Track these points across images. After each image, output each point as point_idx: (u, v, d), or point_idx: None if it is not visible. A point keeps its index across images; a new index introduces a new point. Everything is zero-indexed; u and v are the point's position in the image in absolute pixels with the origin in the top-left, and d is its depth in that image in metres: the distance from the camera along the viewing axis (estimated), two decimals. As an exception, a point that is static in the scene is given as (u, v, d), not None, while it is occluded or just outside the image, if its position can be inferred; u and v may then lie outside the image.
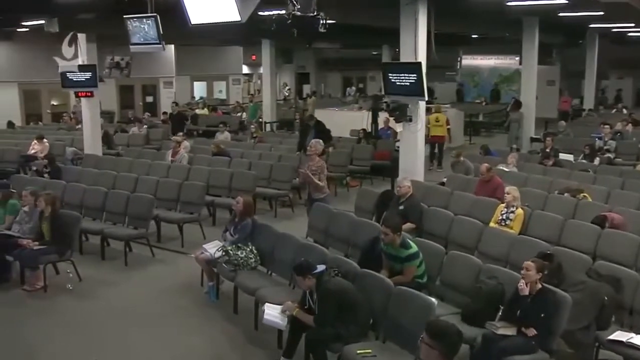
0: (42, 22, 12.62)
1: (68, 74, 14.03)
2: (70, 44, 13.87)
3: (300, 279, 5.29)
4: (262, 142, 15.30)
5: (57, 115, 21.05)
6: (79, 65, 14.08)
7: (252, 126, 16.04)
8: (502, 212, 7.94)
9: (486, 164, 9.45)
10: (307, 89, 33.61)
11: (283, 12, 5.43)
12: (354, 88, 30.43)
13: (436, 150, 15.53)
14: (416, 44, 9.61)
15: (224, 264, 6.97)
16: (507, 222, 7.82)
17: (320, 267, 5.31)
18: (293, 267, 5.47)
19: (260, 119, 20.53)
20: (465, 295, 5.77)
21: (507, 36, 17.83)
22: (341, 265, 5.90)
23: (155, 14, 9.41)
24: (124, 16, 9.90)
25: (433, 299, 5.11)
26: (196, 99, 26.91)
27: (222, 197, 10.73)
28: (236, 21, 5.28)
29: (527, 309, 5.09)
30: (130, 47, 10.31)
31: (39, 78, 20.82)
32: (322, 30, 5.48)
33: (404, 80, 9.63)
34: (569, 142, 14.43)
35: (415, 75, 9.40)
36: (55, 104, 22.95)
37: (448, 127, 16.17)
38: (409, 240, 6.24)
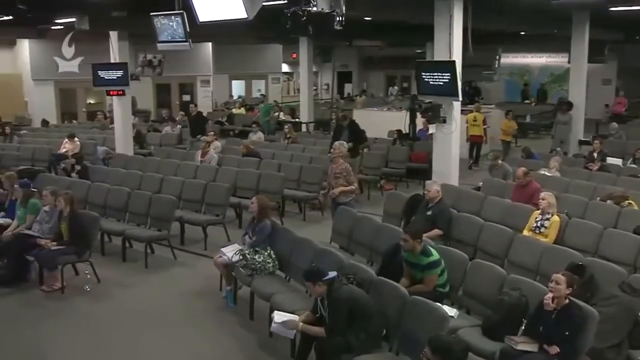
0: (74, 20, 12.97)
1: (100, 72, 14.32)
2: (70, 44, 14.21)
3: (311, 286, 5.26)
4: (296, 142, 15.33)
5: (92, 113, 21.55)
6: (111, 64, 14.39)
7: (286, 126, 16.08)
8: (537, 219, 7.74)
9: (523, 168, 9.23)
10: (348, 88, 33.58)
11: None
12: (396, 87, 30.19)
13: (475, 150, 15.96)
14: (450, 42, 9.47)
15: (241, 268, 6.99)
16: (541, 230, 7.62)
17: (332, 274, 5.26)
18: (303, 273, 5.44)
19: (283, 117, 20.51)
20: (487, 306, 5.64)
21: (555, 32, 17.39)
22: (357, 272, 5.84)
23: (182, 11, 9.55)
24: (151, 13, 10.07)
25: (448, 310, 5.02)
26: (234, 98, 27.19)
27: (249, 199, 10.75)
28: (243, 18, 5.29)
29: (550, 325, 4.92)
30: (158, 45, 10.50)
31: (74, 76, 21.41)
32: (337, 27, 5.45)
33: (437, 80, 9.49)
34: (620, 145, 14.00)
35: (449, 74, 9.25)
36: (91, 102, 23.51)
37: (485, 126, 16.12)
38: (431, 248, 6.13)
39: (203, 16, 6.04)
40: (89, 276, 7.81)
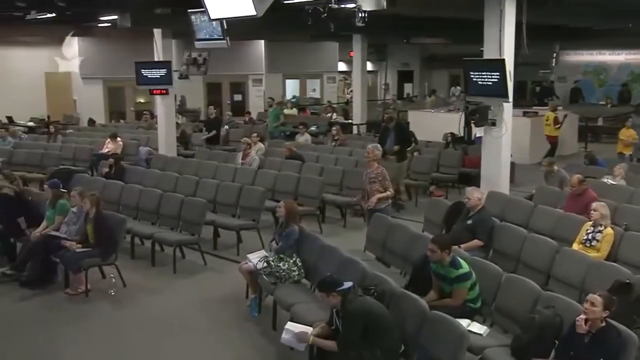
0: (115, 17, 13.36)
1: (143, 71, 14.67)
2: (70, 44, 14.55)
3: (324, 296, 5.23)
4: (344, 145, 15.30)
5: (140, 113, 22.11)
6: (154, 62, 14.73)
7: (334, 128, 16.08)
8: (588, 232, 7.47)
9: (578, 175, 8.93)
10: (408, 88, 33.32)
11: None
12: (459, 87, 29.74)
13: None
14: (501, 39, 9.27)
15: (264, 276, 7.03)
16: (592, 244, 7.35)
17: (347, 284, 5.22)
18: (317, 282, 5.41)
19: (335, 118, 20.41)
20: (519, 325, 5.48)
21: (630, 27, 16.71)
22: (379, 283, 5.78)
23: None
24: (189, 10, 10.28)
25: (478, 327, 4.89)
26: (288, 97, 27.39)
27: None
28: (251, 15, 5.34)
29: (582, 350, 4.72)
30: (196, 43, 10.73)
31: (123, 75, 22.00)
32: (359, 24, 5.40)
33: (485, 80, 9.33)
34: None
35: (498, 73, 9.07)
36: (141, 101, 24.13)
37: (556, 126, 15.94)
38: (460, 260, 6.01)
39: (214, 13, 6.13)
40: (113, 280, 8.00)
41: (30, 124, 20.55)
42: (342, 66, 30.70)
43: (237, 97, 26.70)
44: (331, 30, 5.31)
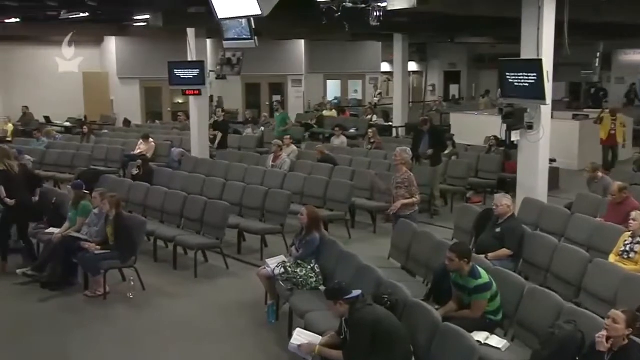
0: (148, 17, 13.61)
1: (176, 71, 14.85)
2: (69, 44, 14.77)
3: (331, 305, 5.20)
4: (379, 148, 15.23)
5: (177, 114, 22.44)
6: (187, 62, 14.91)
7: (370, 131, 16.03)
8: (626, 243, 7.26)
9: (619, 183, 8.70)
10: (454, 89, 33.02)
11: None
12: (507, 89, 29.31)
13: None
14: (539, 38, 9.10)
15: (281, 282, 7.04)
16: (630, 256, 7.14)
17: (356, 292, 5.18)
18: (324, 290, 5.39)
19: (375, 120, 20.27)
20: (539, 340, 5.35)
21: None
22: (394, 292, 5.73)
23: (247, 7, 9.77)
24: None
25: (497, 341, 4.78)
26: (328, 99, 27.42)
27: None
28: (257, 15, 5.37)
29: (603, 369, 4.60)
30: (224, 43, 10.85)
31: (160, 75, 22.35)
32: (374, 23, 5.36)
33: (522, 81, 9.17)
34: None
35: (535, 74, 8.91)
36: (179, 102, 24.47)
37: (611, 130, 15.82)
38: (480, 269, 5.91)
39: (221, 12, 6.19)
40: (132, 283, 8.12)
41: (67, 124, 21.03)
42: (385, 67, 30.61)
43: (276, 98, 26.84)
44: (346, 29, 5.29)
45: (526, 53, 9.39)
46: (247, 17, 5.58)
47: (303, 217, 7.44)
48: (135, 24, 17.16)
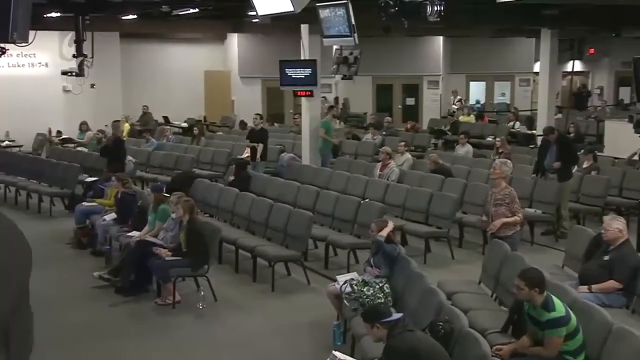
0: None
1: (287, 70, 15.25)
2: (70, 44, 15.19)
3: (368, 328, 5.22)
4: (508, 159, 14.80)
5: (294, 116, 22.98)
6: (299, 61, 15.28)
7: (498, 140, 15.64)
8: None
9: None
10: (623, 92, 31.34)
11: None
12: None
13: None
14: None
15: (346, 302, 7.11)
16: None
17: (396, 316, 5.17)
18: (361, 312, 5.42)
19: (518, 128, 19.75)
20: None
21: None
22: (452, 320, 5.64)
23: (346, 1, 9.90)
24: (317, 4, 10.63)
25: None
26: (470, 102, 27.00)
27: (415, 222, 10.79)
28: (290, 12, 5.48)
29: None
30: (324, 40, 11.05)
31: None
32: (433, 19, 5.31)
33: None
34: None
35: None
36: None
37: None
38: (556, 301, 5.66)
39: (261, 10, 6.36)
40: (202, 293, 8.47)
41: (184, 124, 22.16)
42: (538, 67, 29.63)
43: (410, 101, 26.77)
44: (405, 26, 5.27)
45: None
46: (281, 14, 5.71)
47: (373, 233, 7.46)
48: (252, 20, 17.83)
